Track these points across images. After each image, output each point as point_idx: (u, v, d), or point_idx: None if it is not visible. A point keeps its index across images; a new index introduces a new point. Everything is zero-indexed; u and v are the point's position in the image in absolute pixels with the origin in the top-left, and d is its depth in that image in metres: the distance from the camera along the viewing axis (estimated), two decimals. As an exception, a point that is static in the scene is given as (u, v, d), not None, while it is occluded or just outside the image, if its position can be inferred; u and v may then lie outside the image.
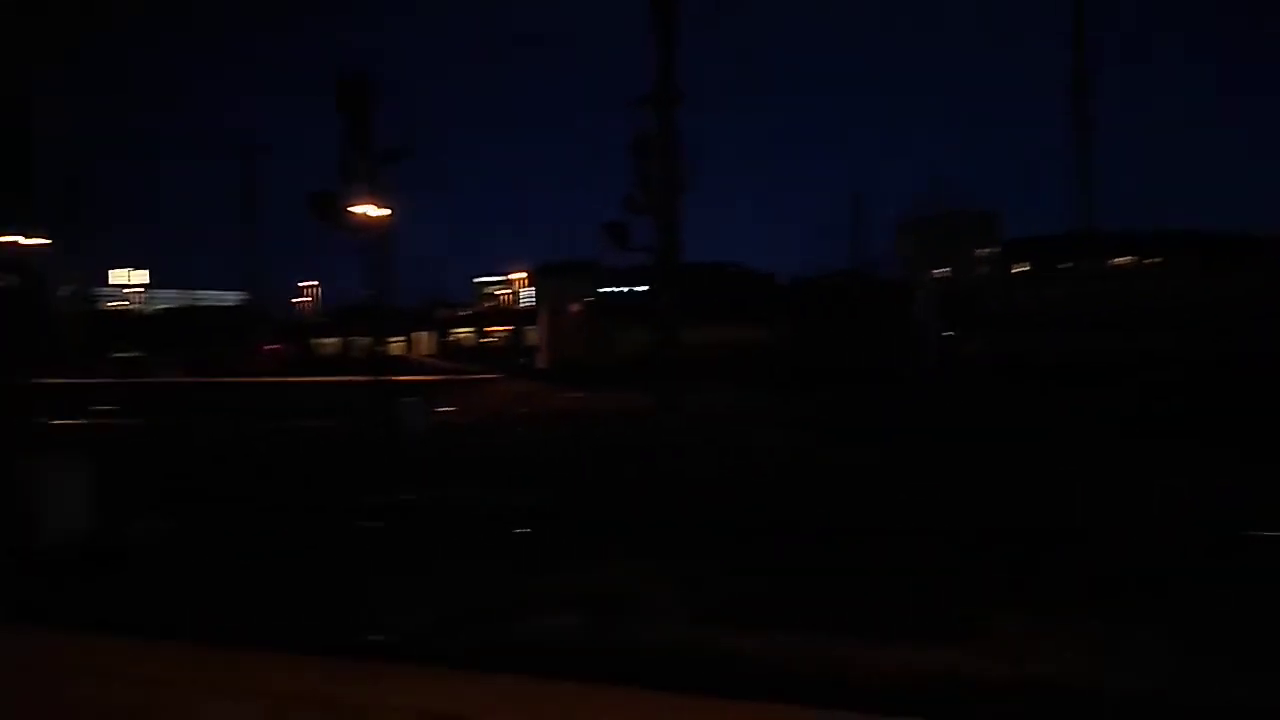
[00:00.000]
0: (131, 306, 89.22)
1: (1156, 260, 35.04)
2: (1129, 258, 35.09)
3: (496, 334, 51.15)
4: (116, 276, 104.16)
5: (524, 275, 67.84)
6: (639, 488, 13.86)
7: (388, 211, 21.09)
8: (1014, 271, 35.43)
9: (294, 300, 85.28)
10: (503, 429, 23.82)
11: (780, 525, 10.60)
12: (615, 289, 42.44)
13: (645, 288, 36.46)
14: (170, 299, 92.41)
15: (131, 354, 45.24)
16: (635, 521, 11.21)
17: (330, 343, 48.40)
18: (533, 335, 40.57)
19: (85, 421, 25.51)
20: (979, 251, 34.14)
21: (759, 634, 6.51)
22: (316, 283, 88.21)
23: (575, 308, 38.16)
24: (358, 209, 19.74)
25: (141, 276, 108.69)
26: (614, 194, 18.37)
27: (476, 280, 78.37)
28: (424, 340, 49.43)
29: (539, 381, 33.51)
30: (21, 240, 11.61)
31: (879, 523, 10.43)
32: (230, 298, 73.79)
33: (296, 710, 3.80)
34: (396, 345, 37.62)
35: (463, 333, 50.35)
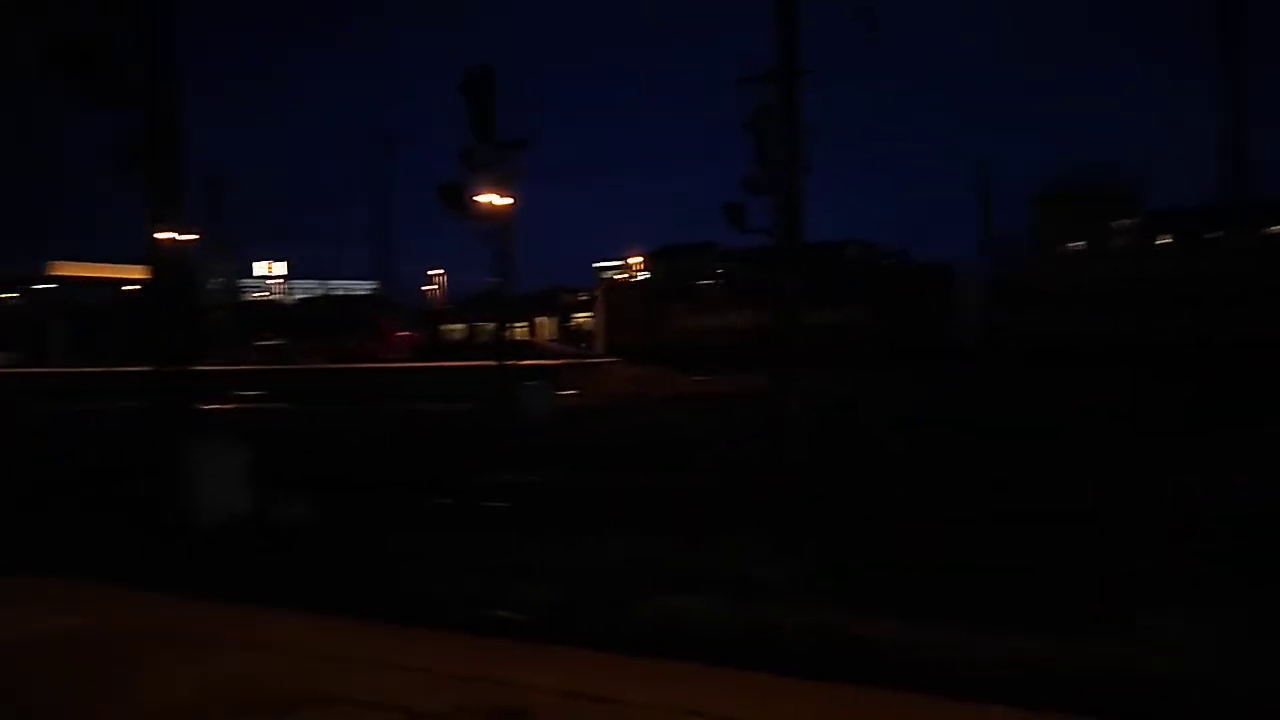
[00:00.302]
0: (273, 296, 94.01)
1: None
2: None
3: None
4: (260, 268, 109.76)
5: (640, 259, 68.27)
6: (764, 470, 13.78)
7: (510, 200, 21.50)
8: (1157, 244, 33.27)
9: (423, 288, 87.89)
10: (624, 411, 24.06)
11: (913, 510, 10.36)
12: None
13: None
14: (308, 289, 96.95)
15: (274, 342, 47.73)
16: (764, 504, 11.15)
17: (457, 329, 49.85)
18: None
19: (232, 406, 27.09)
20: (1117, 224, 32.20)
21: (910, 625, 6.36)
22: (442, 271, 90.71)
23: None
24: (483, 198, 20.19)
25: (280, 268, 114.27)
26: (735, 175, 18.25)
27: (595, 265, 79.08)
28: (546, 325, 50.33)
29: (662, 366, 33.66)
30: (175, 236, 12.30)
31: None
32: (362, 287, 76.84)
33: (450, 685, 3.93)
34: (519, 330, 38.36)
35: (583, 317, 51.13)
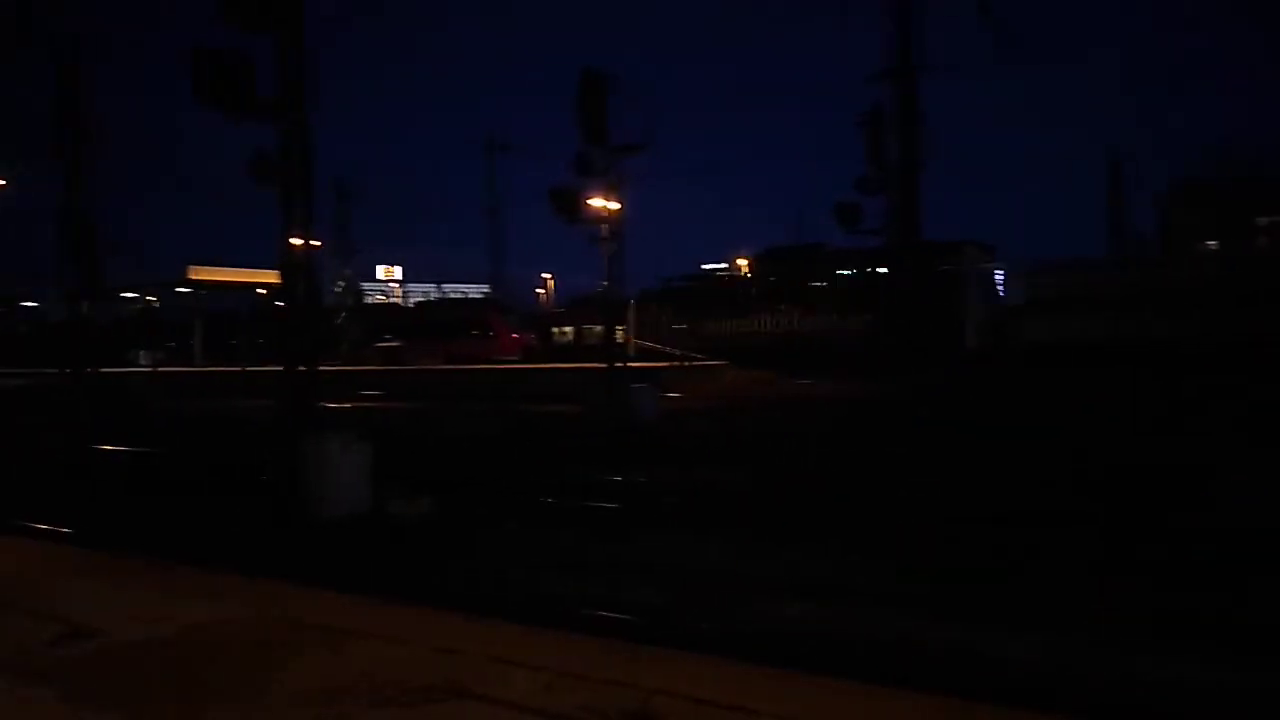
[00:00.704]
0: (391, 299, 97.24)
1: None
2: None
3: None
4: (379, 271, 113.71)
5: (747, 261, 67.85)
6: (868, 473, 13.44)
7: (621, 204, 21.61)
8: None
9: (536, 290, 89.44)
10: (728, 414, 23.91)
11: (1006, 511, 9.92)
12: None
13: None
14: (424, 292, 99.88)
15: (392, 343, 49.32)
16: (866, 507, 10.86)
17: (566, 331, 50.50)
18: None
19: (353, 406, 28.08)
20: (1260, 220, 30.21)
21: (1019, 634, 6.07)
22: (550, 276, 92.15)
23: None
24: (595, 202, 20.37)
25: (398, 271, 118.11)
26: (847, 175, 17.87)
27: (704, 266, 78.94)
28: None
29: (767, 370, 33.39)
30: (304, 243, 12.79)
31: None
32: (476, 289, 78.72)
33: (575, 686, 3.92)
34: (622, 333, 38.72)
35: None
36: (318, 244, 13.78)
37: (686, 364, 34.67)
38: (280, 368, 12.63)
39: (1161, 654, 5.87)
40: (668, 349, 39.08)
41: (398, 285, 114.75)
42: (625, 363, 22.87)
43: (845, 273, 39.66)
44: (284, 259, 12.34)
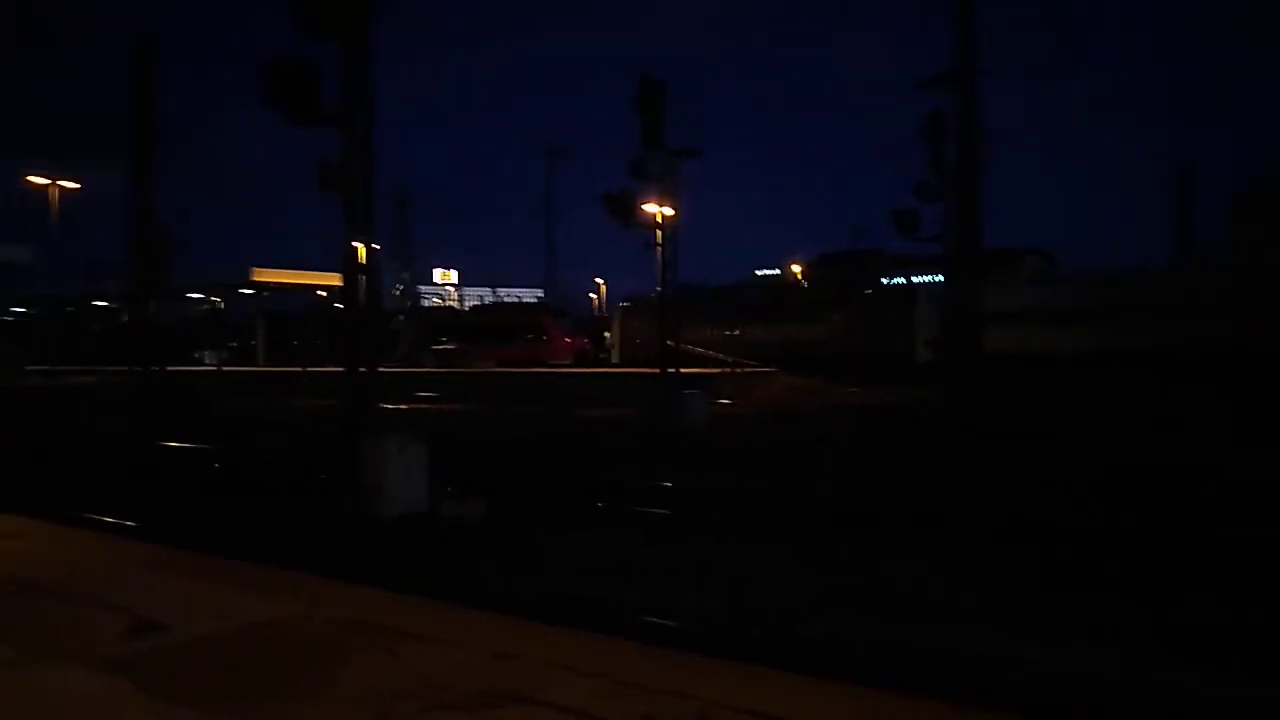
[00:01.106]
0: (448, 303, 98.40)
1: None
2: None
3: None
4: (436, 275, 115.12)
5: (801, 267, 67.45)
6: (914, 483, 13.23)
7: (673, 210, 21.61)
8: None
9: (589, 295, 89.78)
10: (780, 421, 23.72)
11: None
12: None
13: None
14: (479, 296, 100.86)
15: (448, 346, 49.87)
16: (919, 517, 10.67)
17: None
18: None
19: (409, 407, 28.44)
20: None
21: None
22: (603, 280, 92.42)
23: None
24: (650, 207, 20.39)
25: (453, 276, 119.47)
26: (906, 181, 17.66)
27: (758, 272, 78.55)
28: (705, 333, 50.30)
29: (818, 377, 33.11)
30: (365, 247, 12.98)
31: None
32: (530, 294, 79.35)
33: (631, 694, 3.89)
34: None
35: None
36: (378, 248, 13.97)
37: (737, 370, 34.50)
38: (340, 369, 12.83)
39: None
40: (717, 355, 38.99)
41: (454, 289, 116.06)
42: (677, 369, 22.80)
43: (897, 281, 39.28)
44: (346, 263, 12.54)
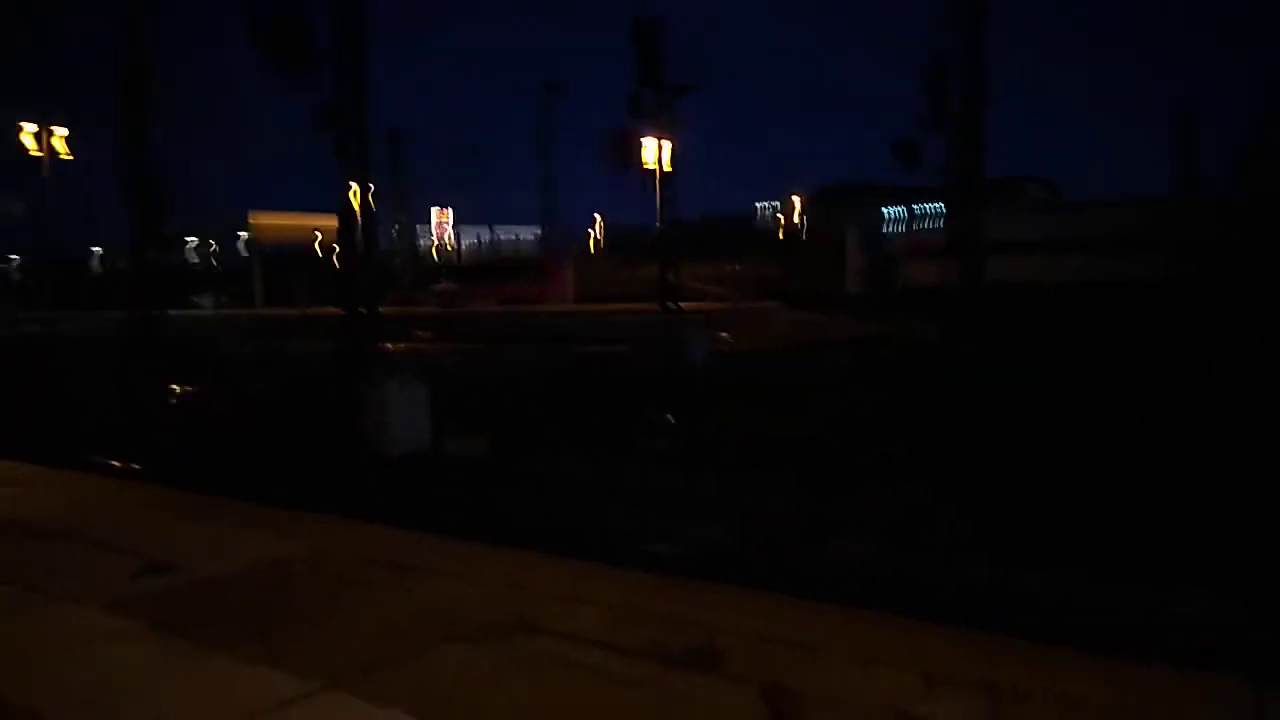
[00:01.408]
0: (444, 242, 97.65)
1: None
2: None
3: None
4: (433, 215, 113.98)
5: (801, 199, 66.86)
6: (918, 413, 13.29)
7: (674, 146, 21.31)
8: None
9: (587, 230, 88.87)
10: (781, 355, 23.76)
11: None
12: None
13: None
14: (476, 235, 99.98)
15: (447, 286, 49.71)
16: (916, 450, 10.75)
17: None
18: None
19: (409, 348, 28.44)
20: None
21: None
22: (599, 217, 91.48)
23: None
24: (648, 145, 20.11)
25: (449, 215, 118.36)
26: (907, 114, 17.35)
27: (758, 205, 77.77)
28: (704, 268, 50.33)
29: (817, 311, 33.05)
30: (360, 187, 12.84)
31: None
32: (528, 232, 78.58)
33: (640, 621, 3.94)
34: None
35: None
36: (372, 188, 13.84)
37: (738, 306, 34.45)
38: (339, 310, 12.81)
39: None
40: (717, 290, 38.95)
41: (448, 227, 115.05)
42: (677, 304, 22.75)
43: (897, 210, 38.95)
44: (341, 205, 12.43)
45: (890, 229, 38.08)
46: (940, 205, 31.52)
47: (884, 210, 39.11)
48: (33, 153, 37.24)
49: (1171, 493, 8.42)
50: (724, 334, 27.54)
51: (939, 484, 9.21)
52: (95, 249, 56.78)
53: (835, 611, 4.34)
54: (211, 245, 55.57)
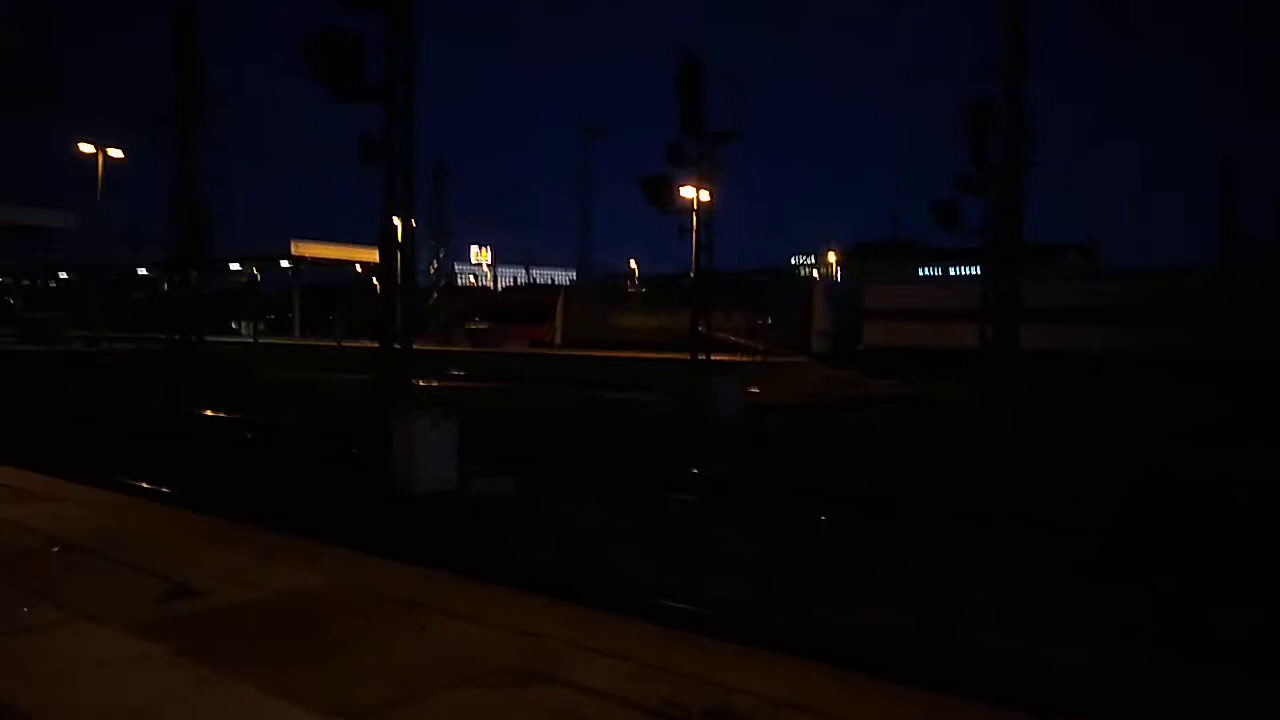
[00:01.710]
0: (481, 282, 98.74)
1: None
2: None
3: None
4: (471, 253, 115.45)
5: (837, 256, 67.00)
6: (951, 477, 13.12)
7: (709, 195, 21.46)
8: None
9: (625, 277, 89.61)
10: (812, 412, 23.61)
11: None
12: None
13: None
14: (513, 275, 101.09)
15: (481, 325, 50.14)
16: (955, 512, 10.60)
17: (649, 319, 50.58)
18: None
19: (441, 385, 28.67)
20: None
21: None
22: (633, 262, 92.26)
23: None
24: (686, 191, 20.29)
25: (487, 254, 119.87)
26: (948, 171, 17.39)
27: (794, 260, 77.94)
28: (736, 319, 50.58)
29: (849, 369, 32.96)
30: (403, 222, 13.05)
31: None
32: (563, 274, 79.33)
33: (657, 678, 3.91)
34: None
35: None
36: (414, 224, 14.08)
37: (768, 359, 34.38)
38: (375, 344, 12.96)
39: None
40: (747, 342, 39.00)
41: (488, 268, 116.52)
42: (708, 355, 22.75)
43: (931, 272, 39.06)
44: (383, 238, 12.63)
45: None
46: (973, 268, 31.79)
47: (920, 271, 39.20)
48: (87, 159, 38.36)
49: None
50: (754, 388, 27.48)
51: (970, 547, 9.08)
52: (141, 270, 57.87)
53: (859, 679, 4.28)
54: (254, 272, 56.51)
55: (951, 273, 38.38)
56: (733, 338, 38.09)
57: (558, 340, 47.35)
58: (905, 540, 9.53)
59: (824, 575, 8.30)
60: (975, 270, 30.96)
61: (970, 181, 16.41)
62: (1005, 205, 15.27)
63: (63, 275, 65.28)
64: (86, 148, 39.32)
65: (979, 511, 10.67)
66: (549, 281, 74.66)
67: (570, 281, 68.37)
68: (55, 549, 6.22)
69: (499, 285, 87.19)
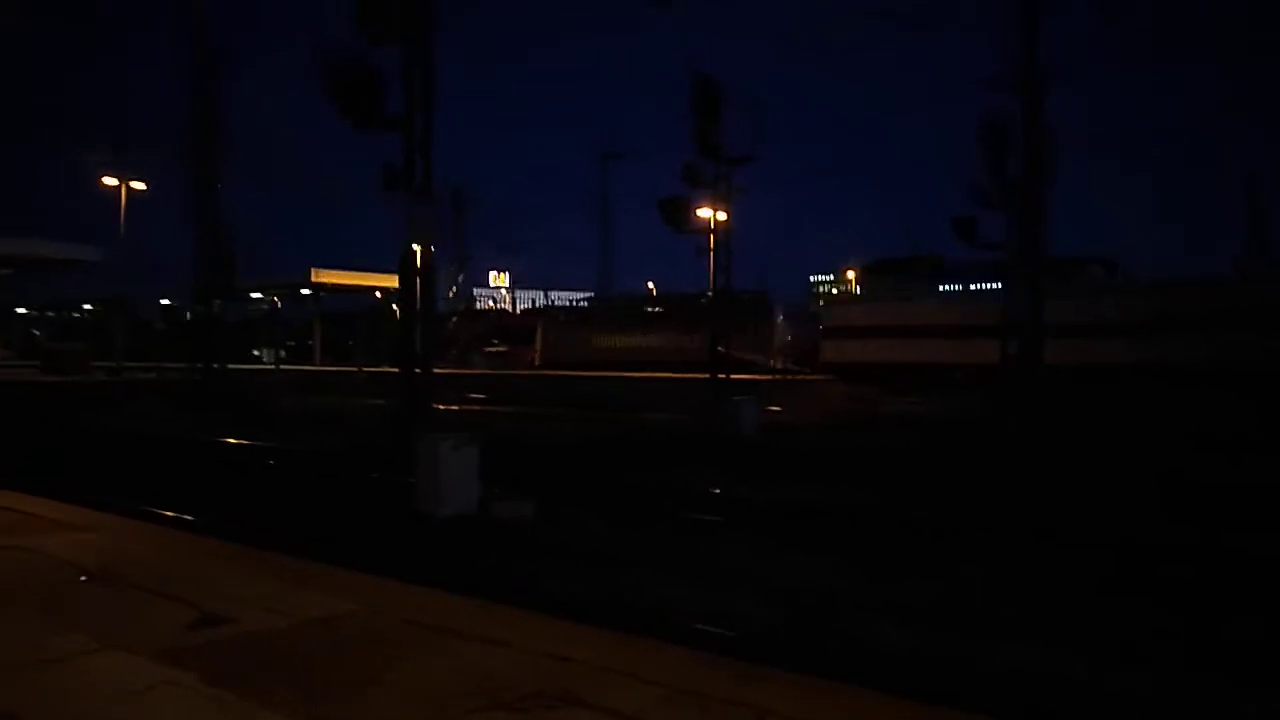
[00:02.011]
0: (500, 306, 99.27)
1: None
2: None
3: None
4: (489, 278, 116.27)
5: (855, 273, 67.02)
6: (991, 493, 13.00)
7: (725, 216, 21.53)
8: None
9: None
10: (833, 430, 23.49)
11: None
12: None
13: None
14: (531, 299, 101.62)
15: (500, 348, 50.43)
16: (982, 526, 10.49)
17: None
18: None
19: (461, 409, 28.73)
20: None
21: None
22: (652, 284, 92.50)
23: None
24: (703, 213, 20.36)
25: (506, 278, 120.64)
26: (965, 186, 17.35)
27: (812, 278, 77.90)
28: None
29: (872, 386, 32.82)
30: (423, 249, 13.14)
31: None
32: (582, 298, 79.56)
33: (686, 702, 3.88)
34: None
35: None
36: (434, 250, 14.18)
37: (788, 378, 34.33)
38: (395, 369, 13.04)
39: None
40: (765, 362, 39.04)
41: (507, 291, 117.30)
42: (728, 375, 22.74)
43: (951, 288, 38.91)
44: (404, 264, 12.74)
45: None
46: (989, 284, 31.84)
47: (939, 286, 39.04)
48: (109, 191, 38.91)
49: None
50: (774, 406, 27.41)
51: (998, 563, 8.99)
52: (164, 300, 58.56)
53: (886, 700, 4.23)
54: (275, 301, 57.07)
55: (971, 289, 38.29)
56: (746, 355, 38.28)
57: (538, 362, 48.75)
58: (922, 555, 9.44)
59: (853, 595, 8.22)
60: (995, 285, 30.83)
61: (988, 196, 16.36)
62: (1024, 219, 15.20)
63: (86, 306, 66.11)
64: (110, 180, 39.91)
65: (1016, 527, 10.56)
66: (568, 304, 74.86)
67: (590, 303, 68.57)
68: (83, 578, 6.27)
69: (518, 309, 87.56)
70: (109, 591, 5.91)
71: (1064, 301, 28.18)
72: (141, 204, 40.79)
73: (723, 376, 22.94)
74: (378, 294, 50.17)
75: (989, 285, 33.94)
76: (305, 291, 50.10)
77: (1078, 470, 15.04)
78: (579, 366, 41.48)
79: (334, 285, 48.81)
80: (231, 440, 21.31)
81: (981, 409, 22.00)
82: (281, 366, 47.75)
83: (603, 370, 39.14)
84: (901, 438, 21.00)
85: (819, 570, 9.06)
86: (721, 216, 20.81)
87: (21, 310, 66.04)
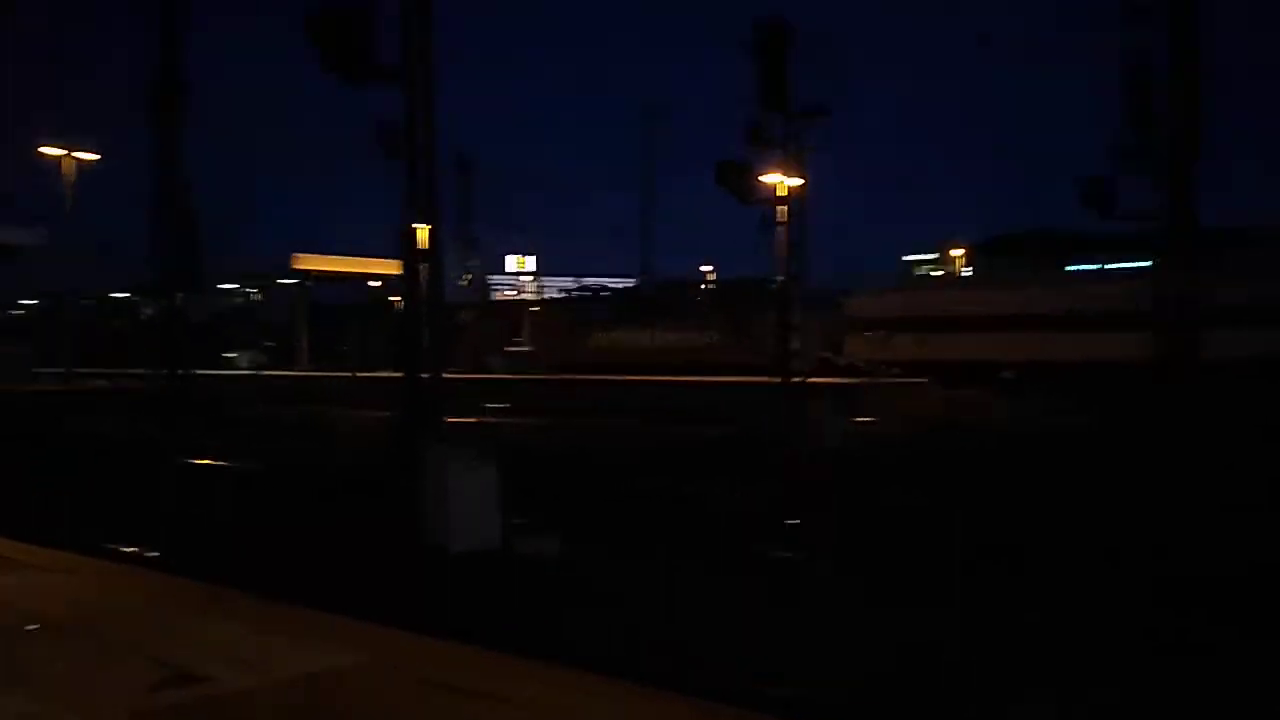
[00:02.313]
0: (523, 295, 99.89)
1: None
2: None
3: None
4: (510, 263, 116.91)
5: (962, 252, 65.98)
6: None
7: (801, 180, 21.47)
8: None
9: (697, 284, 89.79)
10: (937, 444, 23.28)
11: None
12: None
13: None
14: (561, 287, 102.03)
15: (523, 348, 50.72)
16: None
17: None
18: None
19: (477, 421, 28.95)
20: None
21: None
22: (711, 268, 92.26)
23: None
24: (770, 178, 20.34)
25: (530, 263, 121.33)
26: (1096, 146, 17.01)
27: (905, 258, 77.00)
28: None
29: (980, 390, 32.44)
30: (428, 225, 13.32)
31: None
32: (621, 283, 79.65)
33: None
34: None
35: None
36: (439, 229, 14.37)
37: (877, 382, 34.10)
38: (398, 374, 13.22)
39: None
40: (850, 362, 38.85)
41: (531, 278, 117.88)
42: (804, 378, 22.70)
43: (1088, 268, 38.38)
44: (405, 244, 12.88)
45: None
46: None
47: (1070, 266, 38.48)
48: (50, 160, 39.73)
49: None
50: (865, 416, 27.23)
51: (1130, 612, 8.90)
52: (121, 294, 59.86)
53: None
54: (253, 293, 58.05)
55: (1107, 267, 37.67)
56: (828, 355, 38.27)
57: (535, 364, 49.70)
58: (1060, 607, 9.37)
59: (953, 659, 8.19)
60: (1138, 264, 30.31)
61: (1130, 152, 16.05)
62: (1174, 180, 14.89)
63: (30, 303, 67.65)
64: (53, 151, 40.37)
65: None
66: (605, 291, 75.05)
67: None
68: (32, 627, 6.48)
69: (544, 298, 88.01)
70: (62, 642, 6.10)
71: (1234, 282, 27.67)
72: (94, 184, 41.56)
73: (799, 381, 22.86)
74: (375, 284, 50.63)
75: (1130, 263, 33.40)
76: (286, 281, 50.62)
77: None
78: (577, 369, 42.23)
79: (321, 273, 49.15)
80: (201, 462, 21.71)
81: (1117, 417, 21.68)
82: (261, 372, 48.51)
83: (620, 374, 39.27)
84: (1013, 453, 20.76)
85: (913, 623, 9.02)
86: (795, 182, 20.76)
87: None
